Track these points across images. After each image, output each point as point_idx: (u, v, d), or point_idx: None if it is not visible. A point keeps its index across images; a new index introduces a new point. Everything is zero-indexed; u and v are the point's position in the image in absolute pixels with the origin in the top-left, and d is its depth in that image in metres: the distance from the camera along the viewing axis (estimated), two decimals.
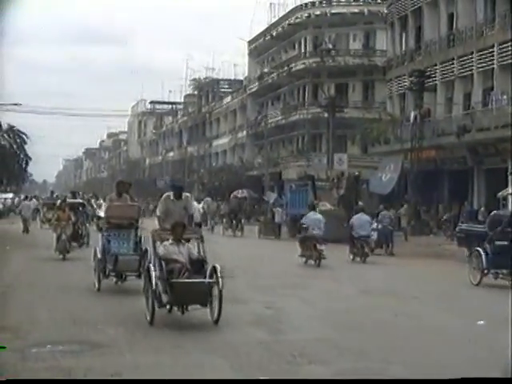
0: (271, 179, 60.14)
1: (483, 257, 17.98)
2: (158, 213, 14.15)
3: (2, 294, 14.77)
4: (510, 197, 33.72)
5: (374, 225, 27.99)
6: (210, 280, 11.50)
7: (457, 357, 9.50)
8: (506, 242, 17.73)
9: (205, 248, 12.36)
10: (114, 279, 15.57)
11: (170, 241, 12.06)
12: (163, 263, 11.75)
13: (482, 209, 33.28)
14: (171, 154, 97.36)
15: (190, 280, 11.59)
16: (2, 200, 63.13)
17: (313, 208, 25.36)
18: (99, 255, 15.38)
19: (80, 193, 48.39)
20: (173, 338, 10.69)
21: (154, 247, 12.21)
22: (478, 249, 18.63)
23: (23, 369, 8.63)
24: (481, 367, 8.53)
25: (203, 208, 42.40)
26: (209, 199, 51.62)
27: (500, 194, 34.20)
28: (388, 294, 16.04)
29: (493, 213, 25.48)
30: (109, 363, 9.01)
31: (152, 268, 11.90)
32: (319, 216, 24.19)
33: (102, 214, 37.24)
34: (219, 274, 11.45)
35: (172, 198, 14.06)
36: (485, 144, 36.43)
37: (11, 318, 11.87)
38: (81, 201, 33.80)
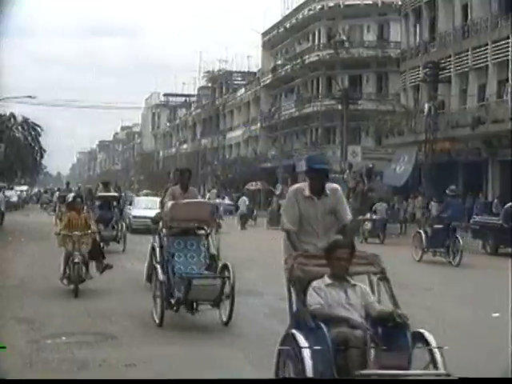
0: (285, 171, 60.08)
1: (423, 237, 22.03)
2: (284, 222, 8.01)
3: (17, 286, 14.85)
4: None
5: (368, 215, 31.16)
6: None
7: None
8: (441, 226, 21.83)
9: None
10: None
11: (327, 279, 6.75)
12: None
13: (496, 201, 33.14)
14: (185, 146, 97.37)
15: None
16: (18, 192, 63.48)
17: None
18: (161, 276, 11.03)
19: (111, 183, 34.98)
20: (187, 330, 10.72)
21: (301, 293, 6.80)
22: (420, 231, 22.63)
23: (38, 360, 8.69)
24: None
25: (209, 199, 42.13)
26: (214, 191, 51.59)
27: None
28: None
29: (507, 205, 25.45)
30: (123, 355, 9.05)
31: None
32: None
33: (135, 212, 32.80)
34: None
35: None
36: (499, 136, 36.22)
37: (26, 310, 11.94)
38: (116, 194, 26.70)
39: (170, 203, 11.82)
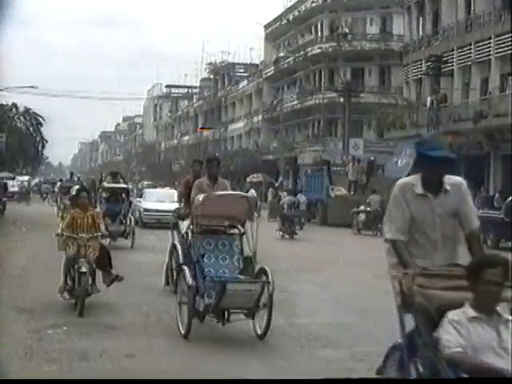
0: (286, 164, 60.06)
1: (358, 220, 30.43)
2: (389, 229, 6.09)
3: (18, 275, 14.85)
4: None
5: (362, 207, 31.99)
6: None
7: None
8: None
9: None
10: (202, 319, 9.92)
11: (471, 310, 4.98)
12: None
13: (497, 195, 33.14)
14: (186, 137, 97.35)
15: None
16: (19, 183, 63.48)
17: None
18: (189, 280, 9.53)
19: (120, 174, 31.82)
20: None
21: (428, 327, 5.11)
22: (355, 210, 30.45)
23: (39, 350, 8.70)
24: None
25: None
26: None
27: None
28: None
29: (509, 199, 25.44)
30: (123, 345, 9.06)
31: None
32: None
33: (147, 205, 30.78)
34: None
35: None
36: (501, 130, 36.16)
37: (27, 300, 11.95)
38: (125, 185, 24.58)
39: (201, 196, 10.15)
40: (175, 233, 12.82)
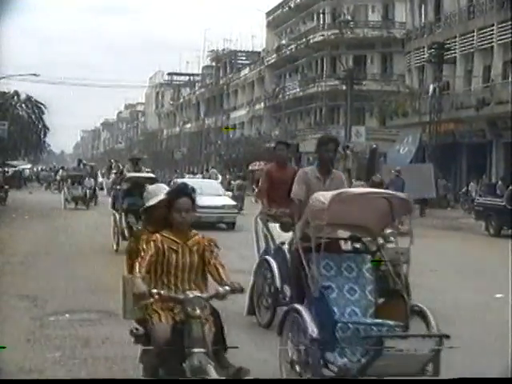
0: (288, 151, 59.92)
1: None
2: None
3: (21, 263, 14.87)
4: None
5: None
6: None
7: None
8: None
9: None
10: None
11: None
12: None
13: (500, 182, 33.13)
14: (188, 125, 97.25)
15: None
16: (21, 169, 63.59)
17: None
18: (313, 330, 6.17)
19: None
20: None
21: None
22: None
23: (42, 336, 8.71)
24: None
25: None
26: (214, 170, 51.14)
27: None
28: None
29: (511, 186, 25.41)
30: (126, 332, 9.04)
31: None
32: None
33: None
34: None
35: None
36: (504, 117, 36.12)
37: (30, 287, 11.96)
38: (151, 175, 20.64)
39: (322, 195, 6.53)
40: (262, 242, 9.91)
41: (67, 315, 9.94)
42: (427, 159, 40.86)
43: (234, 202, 26.60)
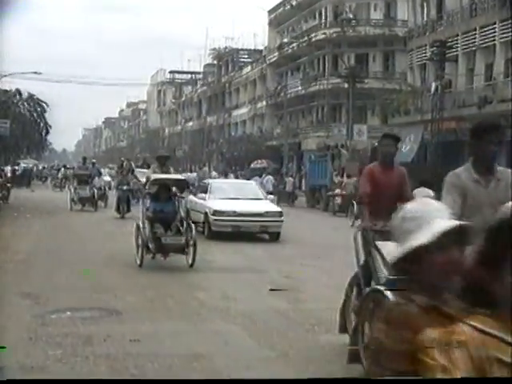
0: (290, 149, 59.99)
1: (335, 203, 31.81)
2: None
3: (23, 260, 14.88)
4: None
5: (337, 191, 32.81)
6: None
7: None
8: None
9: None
10: None
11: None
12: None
13: None
14: (190, 123, 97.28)
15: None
16: (30, 168, 63.61)
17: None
18: None
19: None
20: (192, 306, 10.74)
21: None
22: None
23: (43, 334, 8.72)
24: None
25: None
26: (206, 169, 50.84)
27: None
28: None
29: None
30: (128, 330, 9.07)
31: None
32: None
33: (217, 205, 20.25)
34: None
35: None
36: (506, 115, 36.09)
37: (31, 285, 11.96)
38: (181, 177, 18.26)
39: None
40: (361, 254, 8.11)
41: (69, 313, 9.94)
42: (429, 157, 40.88)
43: (278, 208, 21.86)
